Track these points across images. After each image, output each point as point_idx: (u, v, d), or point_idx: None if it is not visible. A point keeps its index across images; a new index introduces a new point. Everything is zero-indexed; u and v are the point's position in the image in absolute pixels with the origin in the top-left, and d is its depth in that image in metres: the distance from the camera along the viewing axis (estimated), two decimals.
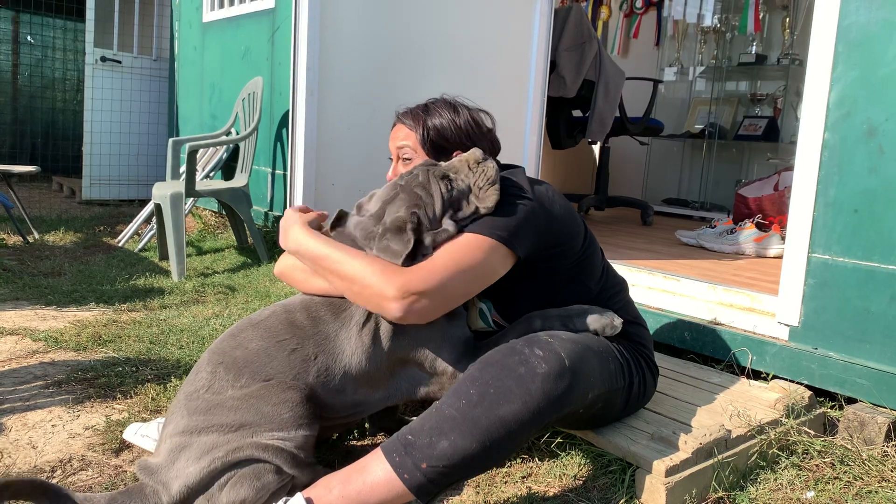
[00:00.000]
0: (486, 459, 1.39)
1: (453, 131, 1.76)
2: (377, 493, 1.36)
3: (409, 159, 1.77)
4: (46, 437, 1.87)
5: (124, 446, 1.81)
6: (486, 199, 1.59)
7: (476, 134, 1.79)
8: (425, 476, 1.35)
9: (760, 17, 5.09)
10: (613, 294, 1.82)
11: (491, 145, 1.82)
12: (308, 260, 1.61)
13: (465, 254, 1.53)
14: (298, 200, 2.28)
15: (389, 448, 1.39)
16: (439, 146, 1.76)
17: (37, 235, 4.72)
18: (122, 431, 1.84)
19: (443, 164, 1.65)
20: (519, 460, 1.78)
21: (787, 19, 4.95)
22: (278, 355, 1.54)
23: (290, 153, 2.29)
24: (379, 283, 1.46)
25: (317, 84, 2.27)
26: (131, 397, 2.12)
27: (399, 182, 1.63)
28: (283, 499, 1.42)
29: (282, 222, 1.69)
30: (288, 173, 2.31)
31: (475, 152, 1.63)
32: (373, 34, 2.41)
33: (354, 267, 1.51)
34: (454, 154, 1.76)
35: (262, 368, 1.53)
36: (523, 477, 1.71)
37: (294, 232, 1.64)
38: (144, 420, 1.93)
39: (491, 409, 1.38)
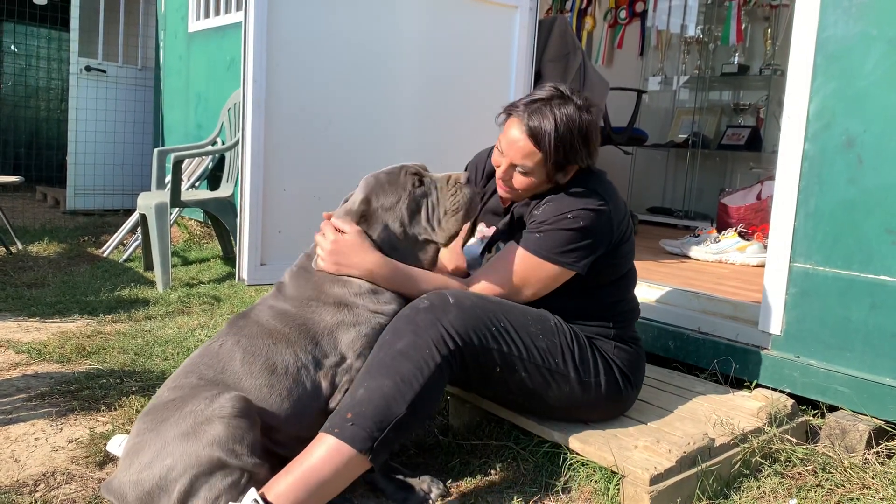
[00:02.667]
0: (403, 394, 1.48)
1: (577, 141, 1.69)
2: (325, 464, 1.43)
3: (527, 173, 1.73)
4: (29, 451, 1.86)
5: (108, 459, 1.80)
6: (445, 229, 1.71)
7: (593, 139, 1.72)
8: (355, 424, 1.45)
9: (743, 27, 5.14)
10: (627, 312, 1.87)
11: (593, 153, 1.76)
12: (388, 282, 1.68)
13: (523, 276, 1.71)
14: (247, 203, 2.39)
15: (324, 426, 1.50)
16: (561, 165, 1.72)
17: (20, 246, 4.69)
18: (106, 444, 1.83)
19: (431, 173, 1.75)
20: (504, 470, 1.79)
21: (769, 30, 5.00)
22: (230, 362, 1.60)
23: (240, 161, 2.41)
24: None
25: (263, 94, 2.37)
26: (115, 409, 2.11)
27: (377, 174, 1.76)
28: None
29: (337, 245, 1.67)
30: (240, 179, 2.42)
31: (462, 175, 1.73)
32: (329, 48, 2.49)
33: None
34: (570, 169, 1.73)
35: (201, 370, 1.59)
36: (508, 487, 1.72)
37: (366, 254, 1.67)
38: (129, 432, 1.92)
39: (389, 348, 1.54)
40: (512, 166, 1.73)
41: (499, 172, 1.78)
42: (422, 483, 1.65)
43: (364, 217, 1.69)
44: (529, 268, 1.71)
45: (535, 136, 1.67)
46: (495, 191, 1.89)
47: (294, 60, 2.42)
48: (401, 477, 1.67)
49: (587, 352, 1.74)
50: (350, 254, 1.65)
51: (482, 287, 1.73)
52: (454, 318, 1.57)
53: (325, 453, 1.44)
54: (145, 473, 1.41)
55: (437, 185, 1.72)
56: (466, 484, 1.73)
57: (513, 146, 1.71)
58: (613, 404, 1.81)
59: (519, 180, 1.74)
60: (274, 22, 2.37)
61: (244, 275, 2.42)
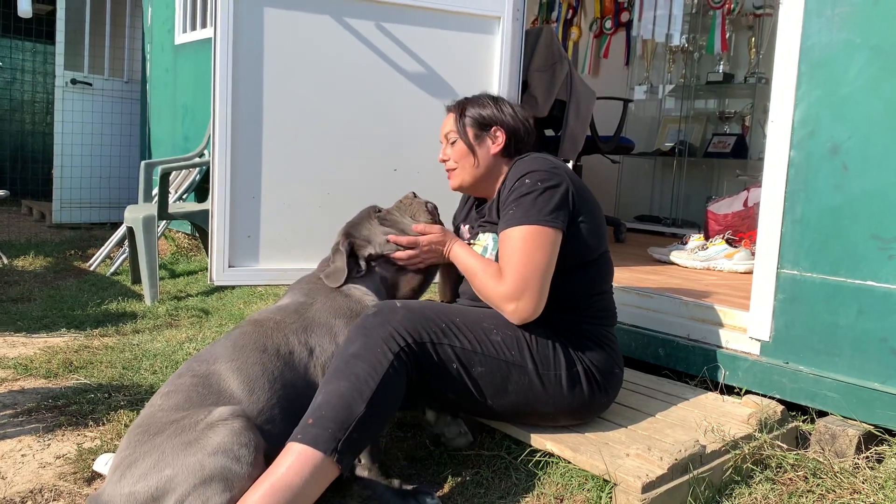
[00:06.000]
0: (361, 393, 1.50)
1: (489, 104, 1.97)
2: (291, 472, 1.42)
3: (454, 142, 1.97)
4: (16, 468, 1.84)
5: (97, 475, 1.78)
6: (417, 215, 2.00)
7: (504, 103, 1.99)
8: (316, 427, 1.46)
9: (727, 36, 5.19)
10: (600, 310, 1.86)
11: (526, 125, 1.98)
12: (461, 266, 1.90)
13: (529, 248, 1.72)
14: (216, 210, 2.51)
15: (290, 437, 1.49)
16: (479, 123, 1.95)
17: (6, 260, 4.65)
18: (94, 460, 1.81)
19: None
20: (497, 479, 1.79)
21: (753, 39, 5.05)
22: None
23: (210, 171, 2.52)
24: (494, 301, 1.75)
25: (229, 108, 2.47)
26: (104, 424, 2.09)
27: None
28: None
29: (441, 237, 1.94)
30: (210, 188, 2.54)
31: (408, 195, 2.05)
32: (295, 64, 2.58)
33: (483, 285, 1.79)
34: (493, 129, 1.95)
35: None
36: (501, 497, 1.71)
37: (455, 245, 1.93)
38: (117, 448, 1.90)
39: (344, 354, 1.58)
40: (447, 144, 1.99)
41: (441, 157, 2.02)
42: (416, 493, 1.64)
43: (352, 247, 1.92)
44: (522, 240, 1.72)
45: (450, 106, 2.02)
46: (473, 206, 2.12)
47: (260, 76, 2.53)
48: (397, 483, 1.67)
49: (547, 345, 1.74)
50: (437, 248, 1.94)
51: (503, 277, 1.75)
52: (402, 319, 1.62)
53: (290, 461, 1.43)
54: (140, 485, 1.37)
55: (397, 208, 2.03)
56: (459, 495, 1.73)
57: (442, 128, 2.02)
58: (578, 404, 1.78)
59: (453, 152, 1.96)
60: (240, 39, 2.47)
61: (213, 276, 2.54)
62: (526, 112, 2.00)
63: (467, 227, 2.11)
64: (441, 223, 2.03)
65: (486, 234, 1.94)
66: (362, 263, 1.92)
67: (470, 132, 1.95)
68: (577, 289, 1.82)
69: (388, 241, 1.93)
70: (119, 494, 1.38)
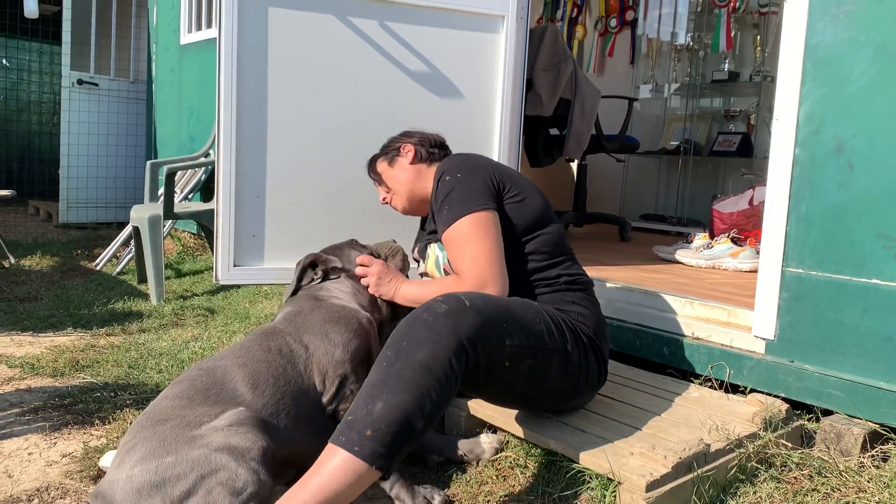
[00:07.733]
0: (422, 408, 1.45)
1: (390, 141, 2.19)
2: (338, 479, 1.39)
3: (380, 182, 2.19)
4: (23, 466, 1.85)
5: (102, 473, 1.79)
6: (394, 258, 2.18)
7: (406, 131, 2.19)
8: (374, 441, 1.40)
9: (732, 35, 5.17)
10: (571, 283, 1.89)
11: (433, 137, 2.16)
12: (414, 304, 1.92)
13: (473, 238, 1.78)
14: (221, 210, 2.54)
15: (335, 435, 1.44)
16: (386, 153, 2.17)
17: (13, 260, 4.67)
18: (100, 458, 1.82)
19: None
20: (500, 478, 1.79)
21: (759, 37, 5.04)
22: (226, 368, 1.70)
23: (215, 171, 2.55)
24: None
25: (233, 109, 2.50)
26: (109, 423, 2.10)
27: None
28: None
29: (385, 275, 2.01)
30: (215, 188, 2.57)
31: (388, 241, 2.24)
32: (299, 66, 2.60)
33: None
34: (400, 147, 2.13)
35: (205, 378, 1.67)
36: (505, 495, 1.72)
37: (402, 285, 2.00)
38: None
39: (408, 358, 1.49)
40: (379, 186, 2.20)
41: (381, 200, 2.22)
42: (424, 490, 1.64)
43: (315, 262, 2.06)
44: (464, 234, 1.78)
45: (366, 168, 2.25)
46: (425, 230, 2.19)
47: (265, 75, 2.55)
48: (405, 481, 1.67)
49: (562, 324, 1.76)
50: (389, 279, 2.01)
51: (461, 276, 1.79)
52: (472, 324, 1.54)
53: (338, 468, 1.39)
54: (138, 469, 1.36)
55: (375, 244, 2.20)
56: (463, 493, 1.73)
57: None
58: (589, 375, 1.82)
59: (385, 187, 2.16)
60: (244, 39, 2.50)
61: (219, 275, 2.56)
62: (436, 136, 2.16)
63: (416, 249, 2.19)
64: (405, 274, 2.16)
65: (433, 244, 2.01)
66: (319, 272, 2.04)
67: (383, 164, 2.16)
68: (538, 261, 1.87)
69: (355, 261, 2.08)
70: (117, 479, 1.37)
